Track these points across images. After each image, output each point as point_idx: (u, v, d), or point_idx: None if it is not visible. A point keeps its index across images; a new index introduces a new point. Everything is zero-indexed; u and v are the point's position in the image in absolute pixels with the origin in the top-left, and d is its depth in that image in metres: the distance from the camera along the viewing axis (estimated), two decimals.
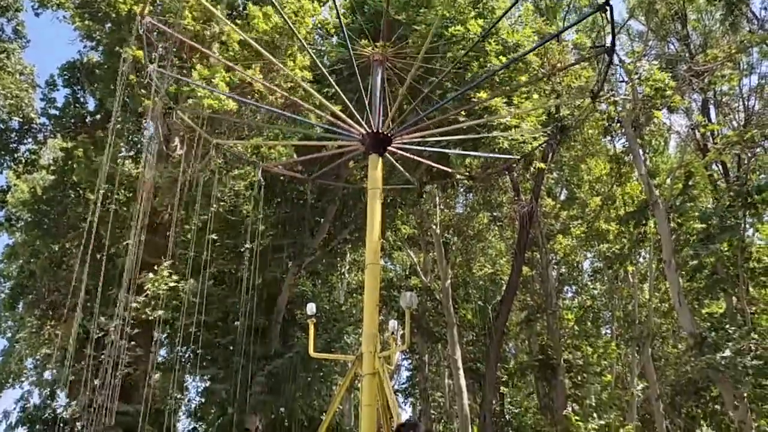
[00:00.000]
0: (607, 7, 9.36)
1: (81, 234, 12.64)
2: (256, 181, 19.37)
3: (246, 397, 18.43)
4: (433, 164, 15.08)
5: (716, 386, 16.80)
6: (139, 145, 18.93)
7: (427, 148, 13.54)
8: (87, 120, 20.57)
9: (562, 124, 16.55)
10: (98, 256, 12.65)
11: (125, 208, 13.03)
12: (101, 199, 14.01)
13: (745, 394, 15.76)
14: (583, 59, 17.02)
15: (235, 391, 18.34)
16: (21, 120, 20.08)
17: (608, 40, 10.07)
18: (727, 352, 14.67)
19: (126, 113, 17.77)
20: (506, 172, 23.31)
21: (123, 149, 17.75)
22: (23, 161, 20.93)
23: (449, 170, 17.38)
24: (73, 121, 20.52)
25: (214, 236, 16.11)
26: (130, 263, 13.11)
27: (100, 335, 14.09)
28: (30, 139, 20.98)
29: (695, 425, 26.46)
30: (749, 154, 18.79)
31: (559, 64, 16.38)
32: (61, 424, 14.33)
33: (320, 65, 13.85)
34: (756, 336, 15.64)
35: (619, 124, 20.06)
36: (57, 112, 20.90)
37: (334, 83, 12.28)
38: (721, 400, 17.62)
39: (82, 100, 21.09)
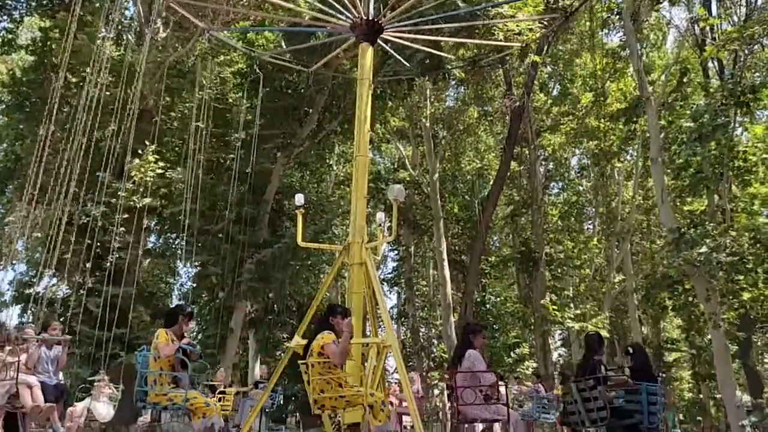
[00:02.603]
0: None
1: (65, 118, 12.38)
2: (246, 71, 18.89)
3: (236, 283, 18.96)
4: (429, 49, 14.59)
5: (690, 280, 17.44)
6: (120, 27, 18.14)
7: (420, 36, 13.09)
8: None
9: (563, 10, 15.92)
10: (83, 141, 12.45)
11: (108, 93, 12.68)
12: (82, 83, 13.62)
13: (718, 289, 16.42)
14: None
15: (226, 276, 18.85)
16: None
17: None
18: (704, 248, 15.11)
19: None
20: (499, 65, 22.83)
21: (103, 30, 16.97)
22: None
23: (445, 55, 16.87)
24: None
25: (201, 124, 15.86)
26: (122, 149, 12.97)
27: (86, 221, 14.17)
28: (5, 17, 20.04)
29: (665, 315, 27.82)
30: (747, 52, 18.43)
31: None
32: (54, 305, 14.75)
33: None
34: (733, 233, 16.07)
35: (618, 16, 19.44)
36: None
37: None
38: (693, 293, 18.36)
39: None
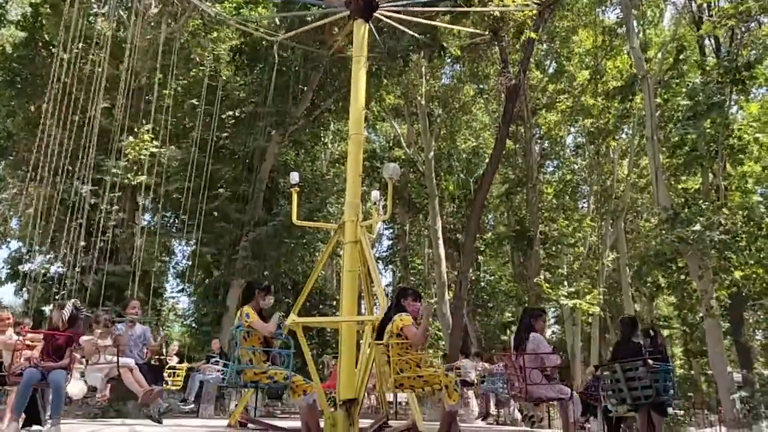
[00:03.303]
0: None
1: (56, 95, 12.24)
2: (240, 47, 18.66)
3: (231, 261, 18.98)
4: (426, 21, 14.44)
5: (683, 258, 17.56)
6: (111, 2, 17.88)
7: (415, 9, 12.95)
8: None
9: None
10: (76, 117, 12.35)
11: (100, 69, 12.53)
12: (74, 59, 13.45)
13: (710, 266, 16.55)
14: None
15: (221, 255, 18.87)
16: None
17: None
18: (698, 226, 15.20)
19: None
20: (495, 43, 22.68)
21: (95, 6, 16.75)
22: None
23: (442, 25, 16.69)
24: None
25: (194, 101, 15.74)
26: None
27: (78, 198, 14.10)
28: None
29: (659, 293, 28.06)
30: (743, 29, 18.32)
31: None
32: (49, 282, 14.77)
33: None
34: (726, 211, 16.15)
35: None
36: None
37: None
38: (686, 270, 18.49)
39: None
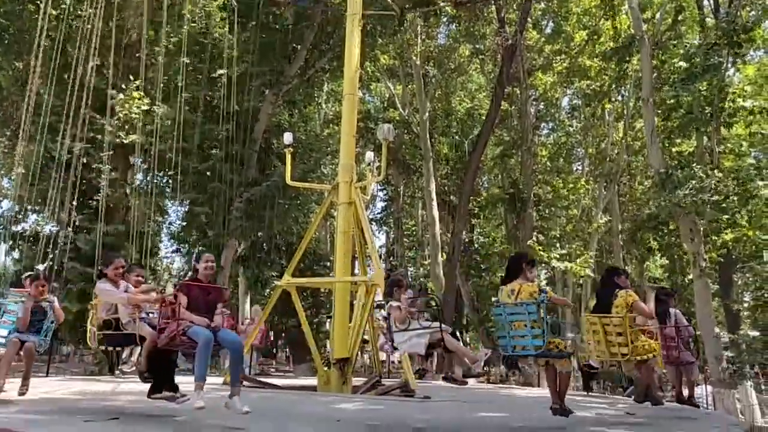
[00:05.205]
0: None
1: (44, 52, 12.01)
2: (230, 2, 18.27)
3: (226, 221, 18.97)
4: None
5: (675, 221, 17.67)
6: None
7: None
8: None
9: None
10: (65, 75, 12.15)
11: (89, 26, 12.27)
12: (63, 15, 13.19)
13: (702, 229, 16.67)
14: None
15: (216, 215, 18.85)
16: None
17: None
18: (690, 189, 15.26)
19: None
20: (491, 1, 22.31)
21: None
22: None
23: None
24: None
25: (186, 60, 15.48)
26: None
27: (68, 157, 13.98)
28: None
29: (650, 256, 28.33)
30: None
31: None
32: (43, 242, 14.73)
33: None
34: (720, 174, 16.19)
35: None
36: None
37: None
38: (677, 233, 18.64)
39: None
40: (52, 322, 7.54)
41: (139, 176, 19.32)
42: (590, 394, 12.91)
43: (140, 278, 7.46)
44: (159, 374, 6.21)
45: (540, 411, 7.83)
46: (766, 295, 21.43)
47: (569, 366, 6.42)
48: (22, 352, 7.11)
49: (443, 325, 7.67)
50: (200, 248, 20.43)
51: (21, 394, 7.03)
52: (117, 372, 10.33)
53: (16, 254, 18.33)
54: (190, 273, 6.57)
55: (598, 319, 6.92)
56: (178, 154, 14.46)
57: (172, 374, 6.33)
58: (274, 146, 21.67)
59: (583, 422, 6.68)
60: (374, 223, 32.39)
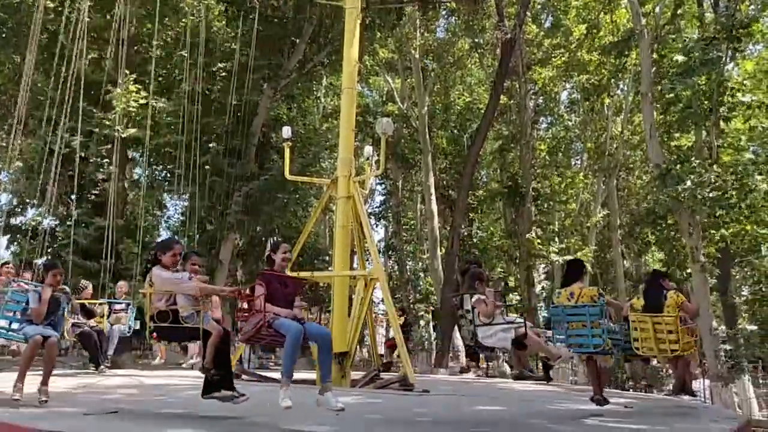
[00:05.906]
0: None
1: (43, 45, 11.98)
2: None
3: (224, 215, 18.95)
4: None
5: (674, 216, 17.68)
6: None
7: None
8: None
9: None
10: (63, 69, 12.11)
11: (89, 18, 12.23)
12: (61, 9, 13.14)
13: (700, 223, 16.69)
14: None
15: (214, 209, 18.83)
16: None
17: None
18: (689, 184, 15.28)
19: None
20: None
21: None
22: None
23: None
24: None
25: (184, 53, 15.44)
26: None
27: (67, 151, 13.93)
28: None
29: (647, 250, 28.37)
30: None
31: None
32: (41, 236, 14.71)
33: None
34: (718, 169, 16.21)
35: None
36: None
37: None
38: (676, 228, 18.65)
39: None
40: (62, 315, 6.95)
41: (138, 170, 19.30)
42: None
43: (197, 266, 7.09)
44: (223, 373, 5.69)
45: (539, 405, 7.87)
46: (764, 289, 21.50)
47: (610, 361, 6.98)
48: (44, 349, 6.25)
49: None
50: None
51: (42, 402, 6.01)
52: (102, 367, 10.07)
53: (14, 247, 18.35)
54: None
55: (649, 318, 7.32)
56: (177, 147, 14.44)
57: (232, 373, 5.88)
58: (272, 140, 21.64)
59: (582, 414, 6.72)
60: (373, 217, 32.34)
